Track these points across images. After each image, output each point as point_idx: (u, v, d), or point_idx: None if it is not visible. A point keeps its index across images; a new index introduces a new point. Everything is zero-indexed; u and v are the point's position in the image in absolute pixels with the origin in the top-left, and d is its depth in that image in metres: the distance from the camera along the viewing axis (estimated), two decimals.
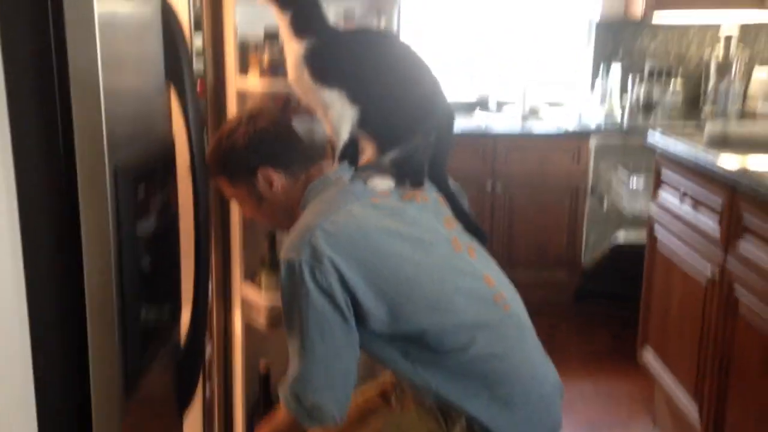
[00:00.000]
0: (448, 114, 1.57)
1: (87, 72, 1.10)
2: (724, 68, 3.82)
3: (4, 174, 1.06)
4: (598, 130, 3.68)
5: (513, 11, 4.13)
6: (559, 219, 3.74)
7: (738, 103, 3.79)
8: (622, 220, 3.66)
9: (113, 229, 1.14)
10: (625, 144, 3.61)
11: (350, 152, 1.55)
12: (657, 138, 2.66)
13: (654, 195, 2.72)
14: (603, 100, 3.86)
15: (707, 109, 3.83)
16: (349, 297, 1.39)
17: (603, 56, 4.04)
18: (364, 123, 1.50)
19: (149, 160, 1.36)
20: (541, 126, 3.80)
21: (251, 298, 2.12)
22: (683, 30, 4.01)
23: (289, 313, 1.42)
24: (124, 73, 1.25)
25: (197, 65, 2.12)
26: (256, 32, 2.01)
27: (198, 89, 2.28)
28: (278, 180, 1.57)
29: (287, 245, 1.42)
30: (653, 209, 2.71)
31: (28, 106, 1.10)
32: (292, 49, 1.51)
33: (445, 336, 1.43)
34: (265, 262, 2.09)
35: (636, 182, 3.42)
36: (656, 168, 2.69)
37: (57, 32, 1.09)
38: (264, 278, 2.08)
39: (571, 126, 3.76)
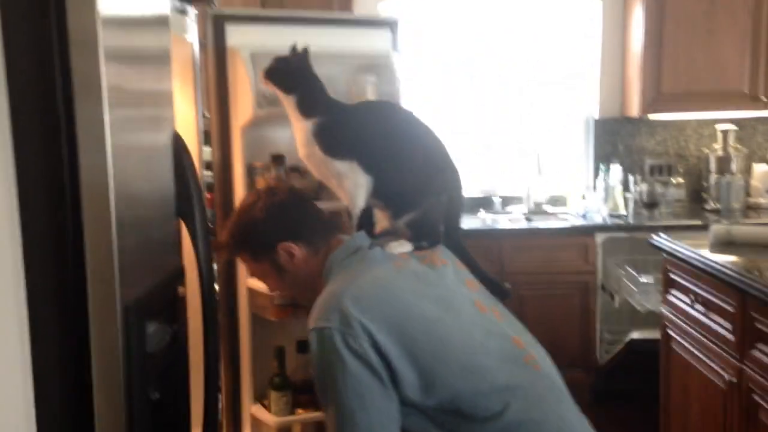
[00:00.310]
0: (455, 173, 1.61)
1: (99, 204, 1.13)
2: (723, 163, 3.88)
3: (17, 310, 1.07)
4: (603, 227, 3.70)
5: (513, 108, 4.25)
6: (570, 317, 3.70)
7: (741, 198, 3.82)
8: (635, 316, 3.62)
9: (123, 366, 1.15)
10: (632, 239, 3.62)
11: (366, 220, 1.58)
12: (662, 241, 2.67)
13: (665, 296, 2.71)
14: (606, 197, 3.90)
15: (710, 205, 3.86)
16: (383, 362, 1.36)
17: (603, 154, 4.12)
18: (377, 191, 1.54)
19: (159, 294, 1.38)
20: (546, 223, 3.82)
21: (261, 419, 2.08)
22: (681, 126, 4.10)
23: (325, 386, 1.38)
24: (135, 207, 1.28)
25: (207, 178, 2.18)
26: (264, 155, 2.06)
27: (208, 197, 2.34)
28: (299, 253, 1.56)
29: (315, 315, 1.40)
30: (665, 311, 2.68)
31: (41, 239, 1.12)
32: (301, 127, 1.56)
33: (478, 401, 1.38)
34: (274, 382, 2.06)
35: (646, 279, 3.40)
36: (664, 270, 2.69)
37: (71, 159, 1.12)
38: (273, 399, 2.05)
39: (576, 222, 3.79)
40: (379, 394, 1.35)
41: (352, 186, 1.53)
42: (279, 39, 1.73)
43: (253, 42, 1.92)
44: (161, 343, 1.31)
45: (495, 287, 1.62)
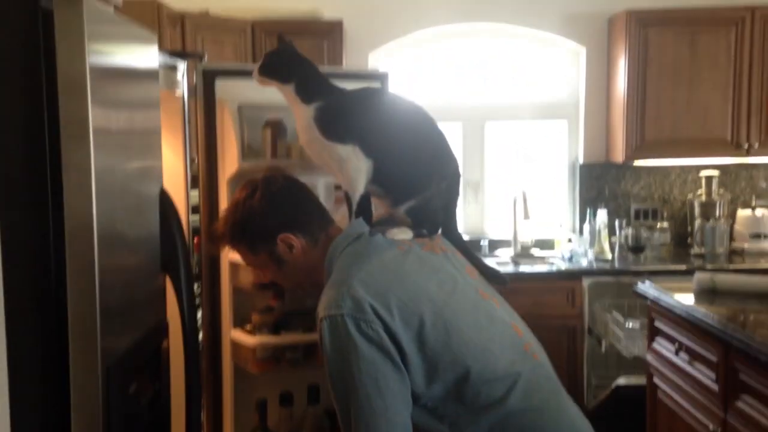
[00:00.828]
0: (454, 161, 1.61)
1: (83, 255, 1.14)
2: (707, 209, 3.92)
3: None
4: (590, 271, 3.72)
5: (500, 153, 4.30)
6: (558, 361, 3.62)
7: (725, 243, 3.86)
8: (622, 361, 3.62)
9: (103, 427, 1.14)
10: (618, 283, 3.64)
11: (364, 207, 1.56)
12: (647, 289, 2.69)
13: (650, 343, 2.72)
14: (592, 241, 3.93)
15: (696, 249, 3.89)
16: (395, 345, 1.34)
17: (589, 198, 4.16)
18: (377, 177, 1.52)
19: (142, 349, 1.38)
20: (533, 267, 3.84)
21: None
22: (665, 171, 4.15)
23: (338, 374, 1.35)
24: (120, 257, 1.28)
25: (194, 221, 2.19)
26: None
27: (195, 243, 2.34)
28: (298, 243, 1.54)
29: (324, 304, 1.38)
30: (650, 358, 2.69)
31: (23, 292, 1.12)
32: (301, 113, 1.55)
33: (481, 387, 1.37)
34: (256, 430, 2.05)
35: (632, 325, 3.41)
36: (649, 317, 2.70)
37: (55, 205, 1.13)
38: None
39: (563, 267, 3.81)
40: (394, 379, 1.34)
41: (353, 170, 1.51)
42: (267, 92, 1.76)
43: (241, 95, 1.95)
44: (143, 402, 1.30)
45: (492, 275, 1.62)
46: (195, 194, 2.17)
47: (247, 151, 1.95)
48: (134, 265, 1.38)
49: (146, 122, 1.48)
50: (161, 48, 2.91)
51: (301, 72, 1.58)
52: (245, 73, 2.08)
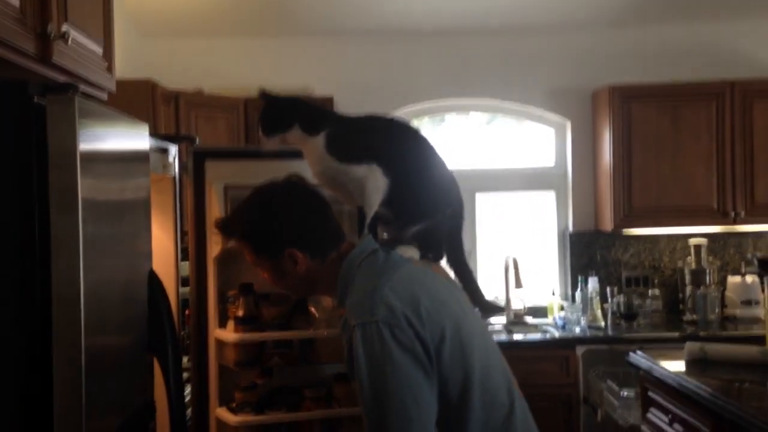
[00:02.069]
0: (458, 190, 1.62)
1: (70, 327, 1.16)
2: (698, 276, 3.95)
3: None
4: (583, 339, 3.72)
5: (490, 221, 4.35)
6: None
7: (717, 309, 3.87)
8: (618, 430, 3.57)
9: None
10: (612, 351, 3.62)
11: (373, 227, 1.56)
12: (639, 359, 2.69)
13: (644, 414, 2.70)
14: (585, 309, 3.94)
15: (688, 316, 3.90)
16: (426, 354, 1.34)
17: (580, 266, 4.19)
18: (389, 198, 1.52)
19: (127, 426, 1.37)
20: (527, 335, 3.84)
21: None
22: (654, 239, 4.20)
23: (370, 382, 1.32)
24: (105, 337, 1.30)
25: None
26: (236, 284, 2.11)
27: (186, 315, 2.34)
28: (303, 261, 1.51)
29: (355, 311, 1.37)
30: (645, 429, 2.66)
31: (6, 390, 1.13)
32: (311, 146, 1.55)
33: (481, 410, 1.38)
34: None
35: (627, 393, 3.38)
36: (642, 387, 2.69)
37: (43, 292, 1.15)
38: None
39: (557, 335, 3.80)
40: (425, 387, 1.33)
41: (371, 188, 1.51)
42: (256, 172, 1.81)
43: (228, 175, 2.00)
44: None
45: (487, 306, 1.65)
46: (185, 265, 2.20)
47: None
48: (121, 345, 1.39)
49: (136, 204, 1.52)
50: (155, 126, 3.00)
51: (299, 110, 1.60)
52: (234, 155, 2.16)
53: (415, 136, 1.62)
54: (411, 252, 1.55)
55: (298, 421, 2.09)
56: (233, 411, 2.03)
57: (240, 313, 2.00)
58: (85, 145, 1.18)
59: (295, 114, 1.59)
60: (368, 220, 1.54)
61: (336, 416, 2.09)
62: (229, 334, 2.02)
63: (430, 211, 1.56)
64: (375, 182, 1.52)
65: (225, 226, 1.59)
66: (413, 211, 1.56)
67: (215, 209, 2.00)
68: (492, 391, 1.42)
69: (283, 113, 1.60)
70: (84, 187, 1.18)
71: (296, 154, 1.83)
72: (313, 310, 2.11)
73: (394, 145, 1.58)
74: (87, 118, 1.20)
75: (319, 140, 1.55)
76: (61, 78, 1.56)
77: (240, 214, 1.57)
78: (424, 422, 1.33)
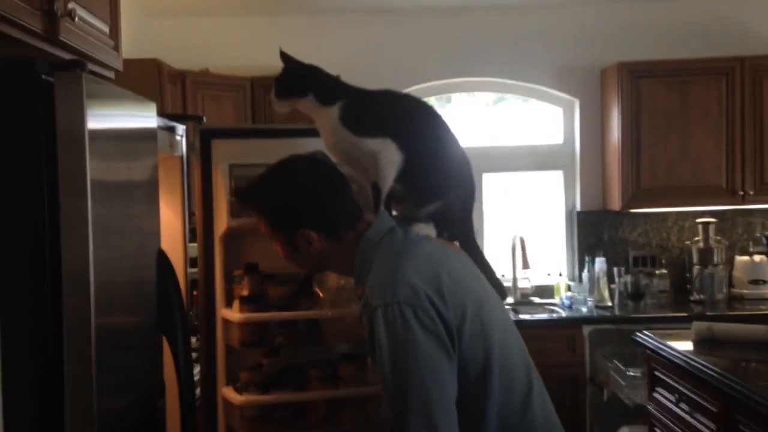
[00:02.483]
0: (470, 169, 1.61)
1: (80, 310, 1.16)
2: (705, 255, 3.93)
3: None
4: (590, 318, 3.72)
5: (498, 201, 4.34)
6: (560, 410, 3.56)
7: (724, 289, 3.86)
8: (625, 410, 3.58)
9: None
10: (619, 331, 3.63)
11: (388, 204, 1.54)
12: (646, 338, 2.69)
13: (650, 393, 2.70)
14: (592, 288, 3.94)
15: (695, 296, 3.89)
16: (448, 334, 1.33)
17: (587, 246, 4.18)
18: (403, 175, 1.50)
19: (138, 410, 1.38)
20: (533, 315, 3.84)
21: None
22: (662, 218, 4.18)
23: (392, 362, 1.32)
24: (115, 316, 1.30)
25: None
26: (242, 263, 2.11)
27: (194, 295, 2.35)
28: (318, 242, 1.48)
29: (376, 291, 1.36)
30: (651, 408, 2.68)
31: (20, 349, 1.14)
32: (325, 117, 1.53)
33: (500, 390, 1.38)
34: None
35: (634, 373, 3.39)
36: (649, 367, 2.70)
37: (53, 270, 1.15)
38: None
39: (563, 314, 3.80)
40: (447, 368, 1.33)
41: (385, 162, 1.49)
42: (260, 150, 1.79)
43: (235, 154, 2.00)
44: None
45: (498, 287, 1.62)
46: (194, 247, 2.20)
47: (234, 210, 1.99)
48: (131, 326, 1.40)
49: (144, 182, 1.51)
50: (162, 105, 2.99)
51: (316, 79, 1.58)
52: (241, 134, 2.14)
53: (430, 112, 1.60)
54: (428, 230, 1.53)
55: (303, 400, 2.09)
56: (238, 390, 2.04)
57: (245, 292, 2.00)
58: (93, 123, 1.18)
59: (312, 82, 1.57)
60: (383, 195, 1.51)
61: (341, 397, 2.10)
62: (234, 313, 2.02)
63: (444, 190, 1.54)
64: (389, 156, 1.50)
65: (244, 196, 1.57)
66: (428, 189, 1.54)
67: (221, 189, 2.00)
68: (511, 371, 1.41)
69: (299, 79, 1.58)
70: (92, 165, 1.18)
71: (304, 133, 1.82)
72: (317, 290, 2.11)
73: (410, 120, 1.56)
74: (95, 96, 1.20)
75: (334, 111, 1.53)
76: (68, 56, 1.55)
77: (260, 185, 1.54)
78: (445, 402, 1.32)
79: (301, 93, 1.56)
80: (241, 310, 2.01)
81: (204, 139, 1.96)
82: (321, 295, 2.09)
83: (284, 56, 1.64)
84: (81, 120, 1.14)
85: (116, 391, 1.28)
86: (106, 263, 1.24)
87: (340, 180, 1.54)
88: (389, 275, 1.37)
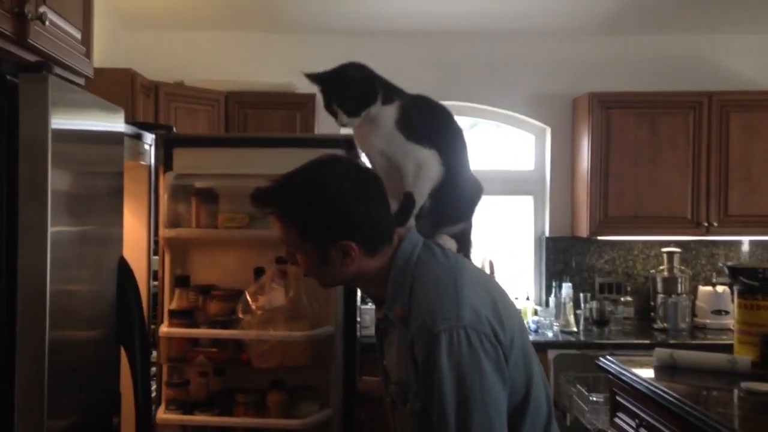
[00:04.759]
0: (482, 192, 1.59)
1: (35, 319, 1.13)
2: (670, 284, 3.99)
3: None
4: (555, 343, 3.74)
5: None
6: None
7: (687, 318, 3.91)
8: None
9: None
10: (583, 356, 3.65)
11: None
12: (608, 363, 2.71)
13: (612, 419, 2.72)
14: (558, 314, 3.97)
15: (658, 324, 3.94)
16: (505, 361, 1.27)
17: (555, 271, 4.22)
18: (437, 192, 1.46)
19: (92, 422, 1.35)
20: None
21: None
22: (628, 246, 4.24)
23: (452, 389, 1.22)
24: (73, 326, 1.27)
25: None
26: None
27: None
28: (355, 255, 1.34)
29: (437, 315, 1.25)
30: None
31: None
32: (381, 119, 1.46)
33: (529, 417, 1.33)
34: None
35: (596, 398, 3.41)
36: (611, 392, 2.71)
37: (9, 267, 1.12)
38: None
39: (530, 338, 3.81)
40: (503, 397, 1.27)
41: (427, 174, 1.44)
42: (225, 161, 1.77)
43: (199, 165, 1.98)
44: None
45: None
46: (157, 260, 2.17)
47: (167, 222, 1.98)
48: (88, 335, 1.37)
49: (108, 189, 1.50)
50: (134, 116, 2.97)
51: (376, 78, 1.50)
52: (201, 142, 2.13)
53: (461, 131, 1.57)
54: (450, 243, 1.49)
55: (226, 426, 2.05)
56: (166, 408, 1.99)
57: (173, 306, 1.96)
58: (58, 125, 1.16)
59: (377, 82, 1.49)
60: (417, 207, 1.45)
61: (265, 426, 2.05)
62: (163, 328, 1.99)
63: (469, 212, 1.53)
64: (433, 168, 1.46)
65: (266, 197, 1.36)
66: (457, 208, 1.51)
67: (163, 198, 1.98)
68: (538, 401, 1.35)
69: (365, 85, 1.48)
70: (55, 171, 1.16)
71: (272, 142, 1.79)
72: (239, 311, 2.03)
73: (450, 136, 1.52)
74: (61, 99, 1.19)
75: (391, 113, 1.47)
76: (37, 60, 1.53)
77: (293, 187, 1.34)
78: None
79: (372, 98, 1.46)
80: (169, 325, 1.97)
81: (166, 148, 1.94)
82: (241, 316, 2.00)
83: (324, 75, 1.50)
84: (44, 121, 1.13)
85: (69, 405, 1.25)
86: (65, 272, 1.21)
87: (381, 186, 1.40)
88: (451, 297, 1.28)
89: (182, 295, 1.97)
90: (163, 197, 1.98)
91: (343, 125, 1.48)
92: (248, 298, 1.97)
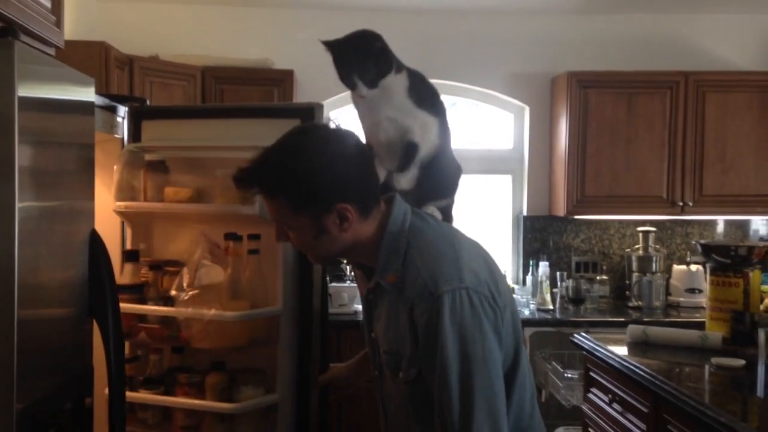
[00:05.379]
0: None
1: (1, 308, 1.11)
2: (645, 263, 4.04)
3: None
4: (531, 321, 3.77)
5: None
6: None
7: (661, 296, 3.97)
8: (562, 411, 3.65)
9: None
10: (559, 334, 3.69)
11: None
12: (583, 340, 2.74)
13: (585, 394, 2.76)
14: (534, 292, 4.00)
15: (633, 302, 3.99)
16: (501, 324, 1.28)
17: (532, 250, 4.25)
18: (426, 165, 1.48)
19: (64, 395, 1.34)
20: None
21: None
22: (605, 225, 4.28)
23: (454, 351, 1.22)
24: (43, 302, 1.25)
25: None
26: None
27: None
28: (353, 217, 1.31)
29: (439, 277, 1.25)
30: (586, 408, 2.73)
31: None
32: (393, 86, 1.46)
33: (516, 389, 1.35)
34: None
35: (571, 375, 3.45)
36: (585, 368, 2.75)
37: None
38: None
39: None
40: (500, 360, 1.27)
41: (428, 138, 1.47)
42: (195, 133, 1.74)
43: (167, 137, 1.94)
44: None
45: None
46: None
47: (129, 192, 1.96)
48: (59, 312, 1.35)
49: (79, 162, 1.47)
50: (107, 90, 2.92)
51: (388, 49, 1.49)
52: (169, 114, 2.09)
53: (446, 112, 1.60)
54: (437, 214, 1.52)
55: (166, 405, 2.00)
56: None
57: (121, 280, 1.91)
58: (25, 94, 1.14)
59: (390, 52, 1.48)
60: (418, 152, 1.46)
61: (200, 408, 1.99)
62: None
63: (453, 188, 1.55)
64: (434, 134, 1.49)
65: (250, 177, 1.31)
66: (444, 184, 1.53)
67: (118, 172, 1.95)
68: (524, 372, 1.37)
69: (384, 55, 1.46)
70: (23, 142, 1.13)
71: (242, 113, 1.75)
72: (173, 288, 1.97)
73: (443, 111, 1.55)
74: (28, 67, 1.16)
75: (402, 80, 1.47)
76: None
77: (273, 163, 1.29)
78: (503, 399, 1.27)
79: (389, 68, 1.45)
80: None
81: (135, 121, 1.91)
82: (173, 293, 1.95)
83: (341, 44, 1.49)
84: (10, 90, 1.10)
85: (39, 384, 1.23)
86: (34, 248, 1.19)
87: (363, 145, 1.40)
88: (451, 260, 1.28)
89: (133, 269, 1.94)
90: (116, 170, 1.93)
91: (362, 96, 1.45)
92: (184, 275, 1.93)
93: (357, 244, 1.36)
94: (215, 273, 1.91)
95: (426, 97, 1.51)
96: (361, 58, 1.44)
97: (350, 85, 1.45)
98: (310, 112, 1.86)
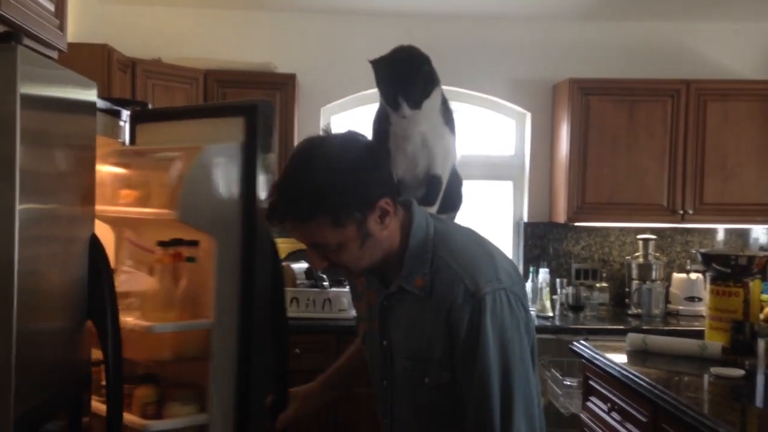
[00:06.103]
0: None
1: (0, 310, 1.10)
2: (644, 271, 4.04)
3: None
4: None
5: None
6: None
7: (661, 304, 3.96)
8: (561, 419, 3.64)
9: None
10: (558, 341, 3.68)
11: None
12: (582, 348, 2.74)
13: (584, 402, 2.75)
14: (534, 299, 4.00)
15: (633, 310, 3.99)
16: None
17: (532, 257, 4.24)
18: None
19: (62, 398, 1.34)
20: None
21: None
22: (605, 232, 4.28)
23: (499, 354, 1.23)
24: (42, 306, 1.25)
25: None
26: None
27: None
28: (391, 209, 1.30)
29: (478, 278, 1.26)
30: (584, 417, 2.73)
31: None
32: (434, 101, 1.48)
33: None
34: None
35: (570, 382, 3.45)
36: (584, 376, 2.75)
37: None
38: None
39: None
40: (530, 361, 1.30)
41: (450, 161, 1.51)
42: (185, 133, 1.73)
43: (152, 140, 1.91)
44: None
45: None
46: None
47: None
48: (58, 316, 1.35)
49: (80, 164, 1.47)
50: (110, 93, 2.92)
51: (435, 74, 1.51)
52: (163, 116, 2.05)
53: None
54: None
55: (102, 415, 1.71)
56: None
57: None
58: (27, 97, 1.14)
59: (435, 75, 1.48)
60: (441, 190, 1.48)
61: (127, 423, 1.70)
62: None
63: (460, 201, 1.59)
64: (454, 154, 1.52)
65: (284, 213, 1.25)
66: (454, 196, 1.57)
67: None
68: (536, 377, 1.38)
69: (430, 76, 1.47)
70: (24, 144, 1.13)
71: (234, 111, 1.71)
72: None
73: (455, 125, 1.58)
74: (30, 70, 1.16)
75: (437, 97, 1.48)
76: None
77: (297, 187, 1.24)
78: (536, 398, 1.28)
79: (432, 88, 1.46)
80: None
81: (132, 125, 1.90)
82: None
83: (387, 63, 1.49)
84: (13, 93, 1.10)
85: (37, 385, 1.23)
86: (34, 251, 1.19)
87: (371, 142, 1.41)
88: (488, 262, 1.29)
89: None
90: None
91: (404, 117, 1.43)
92: None
93: (390, 244, 1.33)
94: (137, 280, 1.78)
95: (448, 113, 1.55)
96: (407, 80, 1.44)
97: (393, 106, 1.44)
98: (253, 110, 1.72)
